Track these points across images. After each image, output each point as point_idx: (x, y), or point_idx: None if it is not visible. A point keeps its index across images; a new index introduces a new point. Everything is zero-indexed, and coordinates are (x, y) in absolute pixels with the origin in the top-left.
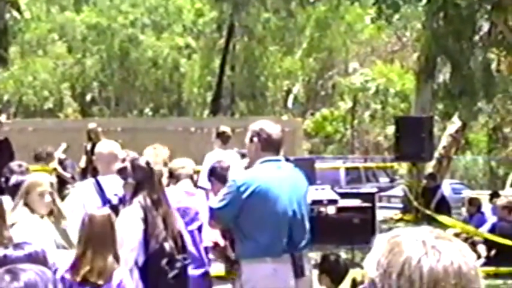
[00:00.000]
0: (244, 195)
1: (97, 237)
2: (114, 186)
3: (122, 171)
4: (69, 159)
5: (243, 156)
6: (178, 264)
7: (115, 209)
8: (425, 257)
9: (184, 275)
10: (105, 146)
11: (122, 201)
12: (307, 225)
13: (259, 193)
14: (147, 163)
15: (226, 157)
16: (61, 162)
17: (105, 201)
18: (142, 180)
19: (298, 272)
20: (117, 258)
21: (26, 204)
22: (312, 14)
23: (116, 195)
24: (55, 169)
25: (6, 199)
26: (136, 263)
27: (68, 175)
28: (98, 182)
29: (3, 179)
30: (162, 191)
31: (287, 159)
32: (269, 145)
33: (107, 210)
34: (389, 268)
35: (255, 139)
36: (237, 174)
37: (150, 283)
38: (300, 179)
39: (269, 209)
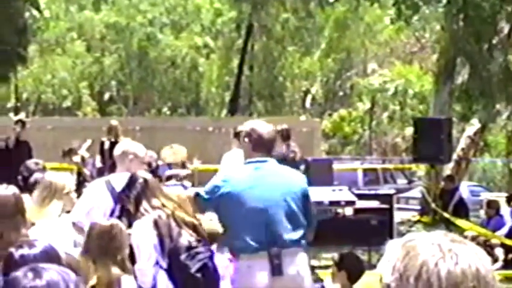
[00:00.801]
0: (217, 195)
1: (96, 248)
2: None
3: (122, 202)
4: (92, 157)
5: None
6: (200, 256)
7: (127, 209)
8: (442, 260)
9: (211, 265)
10: (120, 146)
11: None
12: (288, 223)
13: (230, 194)
14: (141, 176)
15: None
16: (83, 160)
17: (117, 200)
18: (140, 193)
19: (276, 270)
20: (123, 267)
21: (53, 202)
22: (331, 15)
23: None
24: (77, 163)
25: (26, 197)
26: (161, 266)
27: (87, 173)
28: (110, 181)
29: (20, 177)
30: (162, 193)
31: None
32: (260, 145)
33: (114, 221)
34: (406, 272)
35: (246, 139)
36: (219, 174)
37: (177, 282)
38: (286, 178)
39: (241, 209)
